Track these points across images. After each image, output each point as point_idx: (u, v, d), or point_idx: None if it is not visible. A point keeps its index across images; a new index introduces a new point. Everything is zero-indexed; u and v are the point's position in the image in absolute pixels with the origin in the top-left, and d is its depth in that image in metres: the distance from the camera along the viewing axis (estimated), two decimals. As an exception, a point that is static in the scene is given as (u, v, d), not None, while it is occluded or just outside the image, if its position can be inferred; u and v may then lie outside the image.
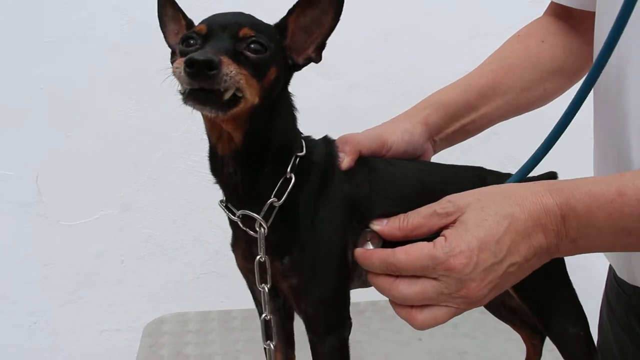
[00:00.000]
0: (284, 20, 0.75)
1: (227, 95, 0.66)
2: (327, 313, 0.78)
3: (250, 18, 0.74)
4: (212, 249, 1.83)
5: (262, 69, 0.70)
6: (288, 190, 0.75)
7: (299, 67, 0.77)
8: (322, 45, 0.76)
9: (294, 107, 0.81)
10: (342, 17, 0.75)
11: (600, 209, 0.65)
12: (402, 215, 0.73)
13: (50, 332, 1.83)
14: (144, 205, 1.80)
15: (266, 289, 0.78)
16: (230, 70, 0.64)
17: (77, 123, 1.68)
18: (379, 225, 0.75)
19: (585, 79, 0.74)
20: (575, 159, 1.69)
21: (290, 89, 0.80)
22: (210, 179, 0.81)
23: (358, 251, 0.75)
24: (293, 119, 0.80)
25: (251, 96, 0.68)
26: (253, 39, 0.69)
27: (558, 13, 1.01)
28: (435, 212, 0.70)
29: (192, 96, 0.65)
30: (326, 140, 0.84)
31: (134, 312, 1.84)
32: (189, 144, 1.73)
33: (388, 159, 0.86)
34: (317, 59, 0.77)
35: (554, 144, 0.77)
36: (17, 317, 1.81)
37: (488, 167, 0.92)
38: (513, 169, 0.92)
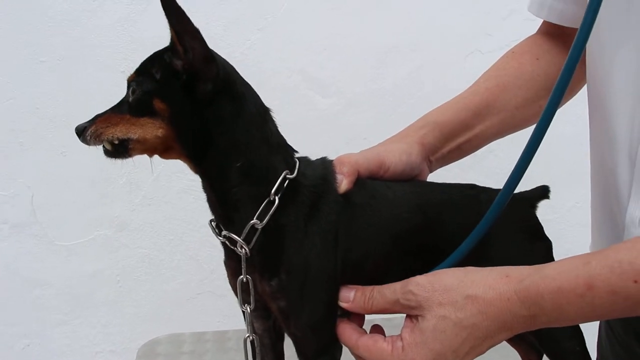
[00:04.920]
0: (170, 39, 0.74)
1: (108, 147, 0.76)
2: (316, 336, 0.77)
3: (145, 61, 0.77)
4: (208, 268, 1.82)
5: (143, 106, 0.74)
6: (270, 212, 0.75)
7: (198, 82, 0.73)
8: (184, 51, 0.72)
9: (257, 123, 0.77)
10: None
11: (571, 304, 0.65)
12: (367, 293, 0.76)
13: (43, 354, 1.81)
14: (139, 225, 1.79)
15: (249, 309, 0.79)
16: (92, 129, 0.76)
17: (73, 142, 1.66)
18: (346, 303, 0.77)
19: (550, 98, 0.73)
20: (571, 173, 1.70)
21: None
22: (205, 198, 0.81)
23: None
24: (258, 136, 0.77)
25: (144, 133, 0.74)
26: (131, 83, 0.76)
27: (550, 31, 1.01)
28: (398, 301, 0.73)
29: (103, 151, 0.78)
30: (323, 161, 0.83)
31: (130, 333, 1.82)
32: (185, 163, 1.72)
33: (386, 182, 0.84)
34: (196, 65, 0.72)
35: (531, 158, 0.75)
36: (10, 339, 1.79)
37: (486, 185, 0.91)
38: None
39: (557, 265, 0.67)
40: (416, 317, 0.71)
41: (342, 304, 0.77)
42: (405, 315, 0.74)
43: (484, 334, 0.68)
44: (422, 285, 0.71)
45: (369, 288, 0.76)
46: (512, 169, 0.75)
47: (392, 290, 0.74)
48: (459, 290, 0.69)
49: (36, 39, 1.67)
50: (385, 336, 0.75)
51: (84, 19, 1.67)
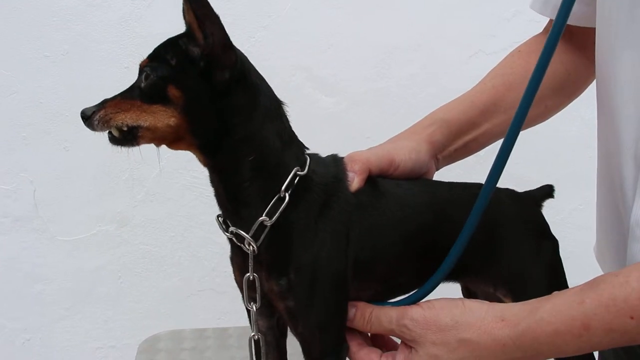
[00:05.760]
0: (187, 25, 0.73)
1: (115, 133, 0.74)
2: (324, 337, 0.76)
3: (159, 47, 0.75)
4: (209, 265, 1.82)
5: (157, 92, 0.72)
6: (280, 209, 0.73)
7: (215, 69, 0.72)
8: (205, 37, 0.71)
9: (271, 116, 0.76)
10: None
11: (568, 343, 0.66)
12: (366, 316, 0.77)
13: (44, 349, 1.81)
14: (141, 221, 1.79)
15: (254, 308, 0.78)
16: (100, 114, 0.72)
17: (76, 137, 1.68)
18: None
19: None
20: (574, 175, 1.70)
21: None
22: (209, 194, 0.80)
23: None
24: (272, 130, 0.75)
25: (155, 121, 0.72)
26: (145, 68, 0.73)
27: None
28: (394, 331, 0.74)
29: (108, 138, 0.75)
30: (335, 159, 0.82)
31: (130, 329, 1.82)
32: (188, 159, 1.71)
33: (396, 180, 0.84)
34: (216, 52, 0.71)
35: (506, 160, 0.75)
36: (10, 334, 1.79)
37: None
38: (512, 185, 0.91)
39: (552, 305, 0.67)
40: (410, 346, 0.73)
41: None
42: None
43: None
44: (416, 320, 0.72)
45: (368, 309, 0.77)
46: (491, 167, 0.75)
47: (388, 319, 0.75)
48: (453, 332, 0.70)
49: (40, 34, 1.67)
50: (381, 353, 0.76)
51: (88, 14, 1.67)
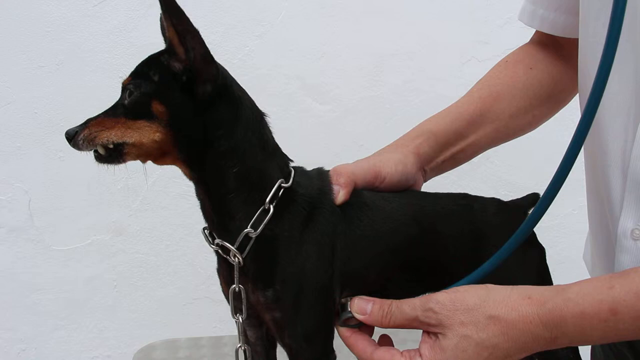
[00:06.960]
0: (168, 41, 0.73)
1: (101, 151, 0.74)
2: (311, 347, 0.76)
3: (141, 64, 0.75)
4: (204, 274, 1.82)
5: (141, 108, 0.73)
6: (265, 222, 0.74)
7: (197, 83, 0.72)
8: (186, 51, 0.72)
9: (254, 128, 0.77)
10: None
11: (594, 328, 0.65)
12: (385, 308, 0.74)
13: (39, 359, 1.81)
14: (136, 230, 1.79)
15: (241, 319, 0.78)
16: (85, 133, 0.73)
17: (71, 147, 1.68)
18: (362, 315, 0.75)
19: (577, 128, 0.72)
20: (567, 180, 1.70)
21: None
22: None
23: (342, 331, 0.77)
24: (255, 142, 0.76)
25: (140, 137, 0.72)
26: (127, 86, 0.74)
27: (543, 40, 1.02)
28: (418, 318, 0.71)
29: (94, 157, 0.76)
30: (320, 172, 0.82)
31: (126, 338, 1.82)
32: (180, 169, 1.73)
33: (382, 193, 0.84)
34: (197, 65, 0.71)
35: (560, 186, 0.73)
36: (6, 344, 1.79)
37: (482, 192, 0.91)
38: (506, 192, 0.92)
39: (580, 288, 0.67)
40: (435, 334, 0.71)
41: (358, 316, 0.75)
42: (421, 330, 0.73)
43: (504, 354, 0.68)
44: (443, 303, 0.70)
45: (387, 302, 0.74)
46: (549, 184, 0.74)
47: (411, 306, 0.72)
48: (481, 310, 0.69)
49: (35, 44, 1.67)
50: (400, 350, 0.74)
51: (82, 24, 1.68)
